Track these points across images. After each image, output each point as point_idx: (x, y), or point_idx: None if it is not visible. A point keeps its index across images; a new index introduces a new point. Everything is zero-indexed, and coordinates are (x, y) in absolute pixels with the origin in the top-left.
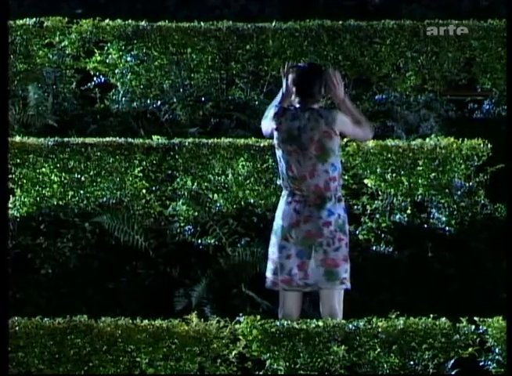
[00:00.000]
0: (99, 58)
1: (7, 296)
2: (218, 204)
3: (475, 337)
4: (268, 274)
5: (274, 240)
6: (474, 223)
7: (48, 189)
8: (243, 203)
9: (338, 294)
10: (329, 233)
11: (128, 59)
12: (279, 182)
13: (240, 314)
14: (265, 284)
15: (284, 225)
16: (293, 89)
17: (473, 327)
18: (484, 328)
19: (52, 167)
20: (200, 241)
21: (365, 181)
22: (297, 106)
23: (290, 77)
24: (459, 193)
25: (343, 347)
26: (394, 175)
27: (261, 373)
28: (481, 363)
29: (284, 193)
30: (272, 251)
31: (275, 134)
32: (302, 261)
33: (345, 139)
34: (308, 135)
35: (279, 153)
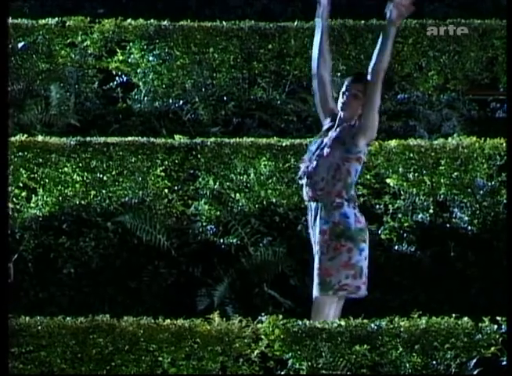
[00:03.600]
0: (121, 57)
1: (7, 296)
2: (240, 204)
3: (497, 336)
4: (346, 279)
5: (351, 246)
6: (496, 222)
7: (70, 188)
8: (265, 202)
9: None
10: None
11: (150, 58)
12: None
13: (262, 313)
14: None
15: (361, 228)
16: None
17: (495, 326)
18: (507, 328)
19: (74, 166)
20: (222, 241)
21: (388, 180)
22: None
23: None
24: (481, 192)
25: (365, 346)
26: (416, 174)
27: (283, 372)
28: (504, 363)
29: (353, 197)
30: (353, 254)
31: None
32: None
33: None
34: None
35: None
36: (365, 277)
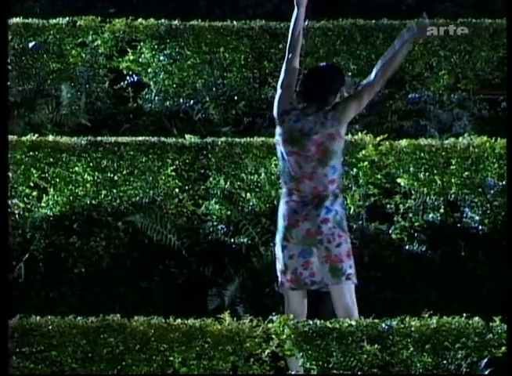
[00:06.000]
0: (131, 57)
1: (7, 296)
2: (251, 203)
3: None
4: (278, 273)
5: (277, 240)
6: (507, 222)
7: (81, 188)
8: (275, 202)
9: (349, 291)
10: (328, 230)
11: (161, 58)
12: None
13: (273, 313)
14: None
15: (284, 226)
16: (299, 91)
17: (506, 326)
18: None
19: (85, 166)
20: (232, 240)
21: (398, 180)
22: (301, 108)
23: (302, 77)
24: (492, 192)
25: (376, 346)
26: (427, 174)
27: (293, 372)
28: None
29: (283, 192)
30: (277, 250)
31: (278, 131)
32: (306, 260)
33: (378, 138)
34: (312, 138)
35: (280, 150)
36: None
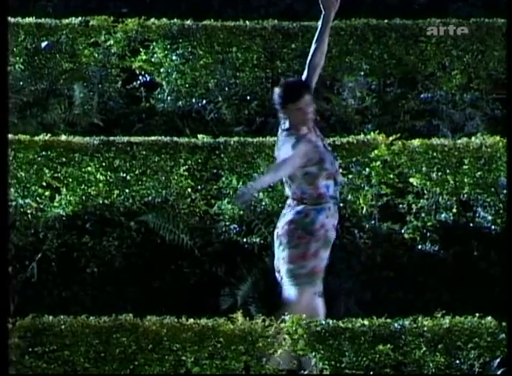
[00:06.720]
0: (144, 57)
1: (7, 296)
2: (264, 203)
3: None
4: None
5: None
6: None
7: (93, 187)
8: None
9: (293, 291)
10: (289, 231)
11: (174, 58)
12: None
13: (286, 313)
14: None
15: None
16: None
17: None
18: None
19: (97, 166)
20: (245, 240)
21: (411, 180)
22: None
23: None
24: (504, 191)
25: (388, 346)
26: (439, 173)
27: (306, 372)
28: None
29: None
30: None
31: None
32: (276, 259)
33: (390, 138)
34: (276, 154)
35: None
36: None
